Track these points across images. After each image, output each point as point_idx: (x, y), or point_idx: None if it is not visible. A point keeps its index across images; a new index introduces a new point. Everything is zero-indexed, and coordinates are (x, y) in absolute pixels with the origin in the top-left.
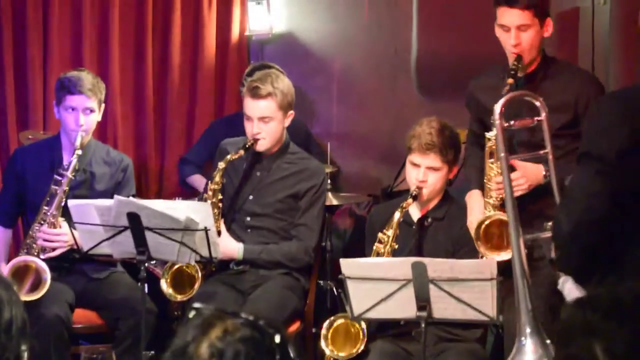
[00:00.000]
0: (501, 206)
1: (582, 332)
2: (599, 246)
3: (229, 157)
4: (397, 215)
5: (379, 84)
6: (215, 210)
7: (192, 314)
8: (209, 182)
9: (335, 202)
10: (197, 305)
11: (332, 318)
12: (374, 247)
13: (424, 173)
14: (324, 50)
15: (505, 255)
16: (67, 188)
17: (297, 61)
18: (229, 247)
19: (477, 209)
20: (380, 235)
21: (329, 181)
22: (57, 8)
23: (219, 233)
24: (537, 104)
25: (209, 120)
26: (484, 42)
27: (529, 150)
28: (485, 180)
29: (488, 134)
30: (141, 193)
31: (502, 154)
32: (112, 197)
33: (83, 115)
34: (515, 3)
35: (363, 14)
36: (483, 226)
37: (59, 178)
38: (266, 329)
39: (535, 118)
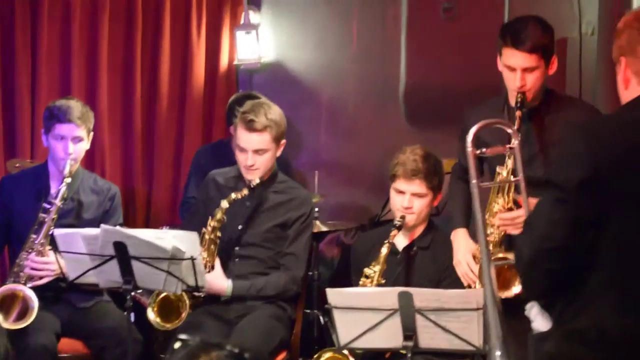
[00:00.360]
0: (501, 243)
1: None
2: (561, 273)
3: (233, 195)
4: (384, 250)
5: (367, 114)
6: (212, 247)
7: (177, 345)
8: (210, 217)
9: (322, 230)
10: (182, 336)
11: (321, 352)
12: (360, 282)
13: (409, 200)
14: (312, 79)
15: (515, 290)
16: (55, 216)
17: (286, 90)
18: (218, 283)
19: (464, 248)
20: (366, 270)
21: (316, 210)
22: (46, 36)
23: (212, 267)
24: (510, 131)
25: (197, 149)
26: (472, 73)
27: (528, 184)
28: (486, 216)
29: (499, 168)
30: (129, 222)
31: (474, 181)
32: (99, 226)
33: (72, 143)
34: (523, 45)
35: (352, 44)
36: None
37: (48, 206)
38: None
39: (507, 146)
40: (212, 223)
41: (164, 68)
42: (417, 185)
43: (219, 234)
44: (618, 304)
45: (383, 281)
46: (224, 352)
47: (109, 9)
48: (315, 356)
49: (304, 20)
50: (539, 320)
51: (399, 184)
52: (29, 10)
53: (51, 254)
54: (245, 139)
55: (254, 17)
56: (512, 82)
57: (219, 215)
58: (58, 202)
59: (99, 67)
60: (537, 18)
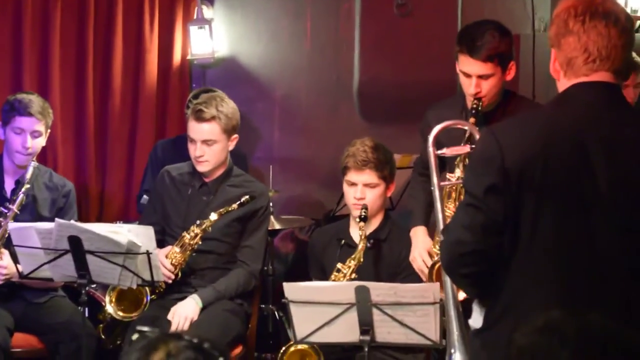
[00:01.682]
0: None
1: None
2: (476, 276)
3: (222, 210)
4: (360, 245)
5: (321, 110)
6: (188, 252)
7: (135, 336)
8: (195, 225)
9: (277, 226)
10: (140, 328)
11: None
12: (332, 277)
13: (361, 191)
14: (266, 75)
15: (462, 295)
16: (11, 221)
17: (239, 86)
18: (189, 309)
19: (421, 245)
20: (340, 265)
21: (271, 205)
22: None
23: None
24: (474, 132)
25: (150, 144)
26: (425, 69)
27: None
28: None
29: (449, 175)
30: (81, 217)
31: (435, 180)
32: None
33: (30, 137)
34: (477, 54)
35: (306, 39)
36: (436, 267)
37: (5, 211)
38: (210, 352)
39: (470, 146)
40: (195, 230)
41: (117, 63)
42: (368, 175)
43: (200, 242)
44: (542, 301)
45: (355, 276)
46: (183, 343)
47: (61, 3)
48: (282, 349)
49: (257, 15)
50: (475, 317)
51: (351, 175)
52: None
53: (5, 257)
54: (194, 129)
55: (207, 12)
56: (468, 88)
57: (205, 225)
58: (15, 208)
59: (51, 62)
60: (494, 24)
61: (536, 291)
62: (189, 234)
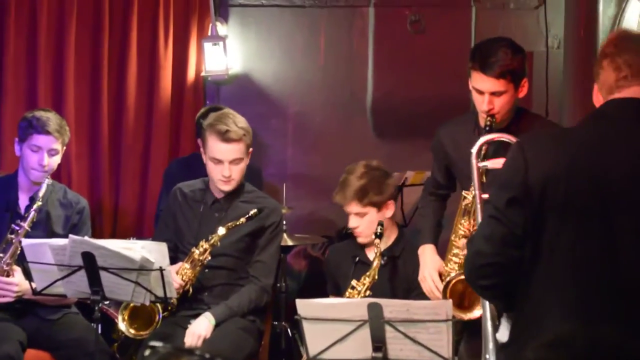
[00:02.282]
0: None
1: None
2: (496, 288)
3: (230, 224)
4: (375, 262)
5: (334, 126)
6: (198, 268)
7: (147, 352)
8: (203, 240)
9: (290, 242)
10: (153, 343)
11: None
12: (347, 294)
13: (354, 220)
14: (280, 91)
15: (476, 312)
16: (23, 239)
17: (253, 102)
18: (202, 327)
19: (430, 265)
20: (354, 282)
21: (284, 222)
22: (12, 47)
23: (192, 284)
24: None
25: (164, 160)
26: (439, 85)
27: None
28: (452, 237)
29: (465, 192)
30: (95, 233)
31: (476, 192)
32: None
33: (47, 155)
34: (490, 71)
35: (319, 56)
36: (450, 286)
37: (17, 228)
38: None
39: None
40: (204, 245)
41: (131, 79)
42: (355, 206)
43: (208, 257)
44: (562, 316)
45: (370, 293)
46: (195, 358)
47: (76, 18)
48: None
49: (271, 32)
50: (502, 330)
51: (346, 208)
52: None
53: (18, 274)
54: (221, 150)
55: (221, 28)
56: (480, 105)
57: (214, 239)
58: (27, 226)
59: (66, 77)
60: (507, 41)
61: (557, 306)
62: (198, 249)
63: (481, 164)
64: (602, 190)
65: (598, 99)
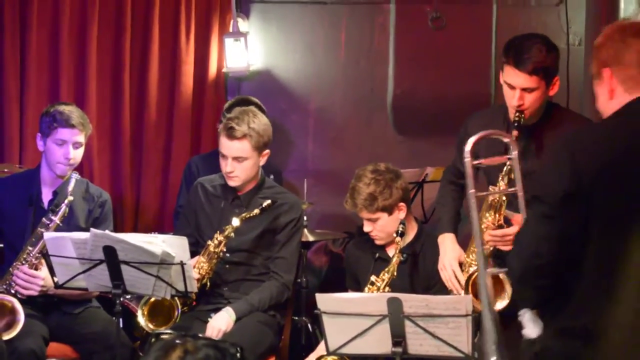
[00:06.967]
0: (489, 258)
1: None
2: (550, 287)
3: (244, 214)
4: (394, 259)
5: (355, 122)
6: (214, 260)
7: (153, 340)
8: (217, 232)
9: (311, 238)
10: (159, 331)
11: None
12: (366, 290)
13: (368, 224)
14: (300, 87)
15: (499, 305)
16: (45, 232)
17: (274, 98)
18: (222, 321)
19: (450, 253)
20: (374, 278)
21: (305, 217)
22: (35, 42)
23: (209, 277)
24: (507, 141)
25: (186, 156)
26: (459, 81)
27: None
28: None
29: (491, 187)
30: (117, 227)
31: (471, 191)
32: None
33: (73, 148)
34: (523, 67)
35: (340, 52)
36: (472, 280)
37: (47, 222)
38: (228, 349)
39: (506, 156)
40: (219, 237)
41: (153, 74)
42: (365, 214)
43: (224, 248)
44: (603, 306)
45: (389, 289)
46: (200, 341)
47: (98, 15)
48: None
49: (292, 28)
50: (530, 327)
51: (357, 214)
52: (18, 16)
53: (44, 269)
54: (225, 145)
55: (242, 24)
56: (511, 100)
57: (228, 231)
58: (58, 220)
59: (88, 73)
60: (542, 38)
61: (605, 297)
62: (213, 242)
63: (475, 162)
64: None
65: (612, 89)
